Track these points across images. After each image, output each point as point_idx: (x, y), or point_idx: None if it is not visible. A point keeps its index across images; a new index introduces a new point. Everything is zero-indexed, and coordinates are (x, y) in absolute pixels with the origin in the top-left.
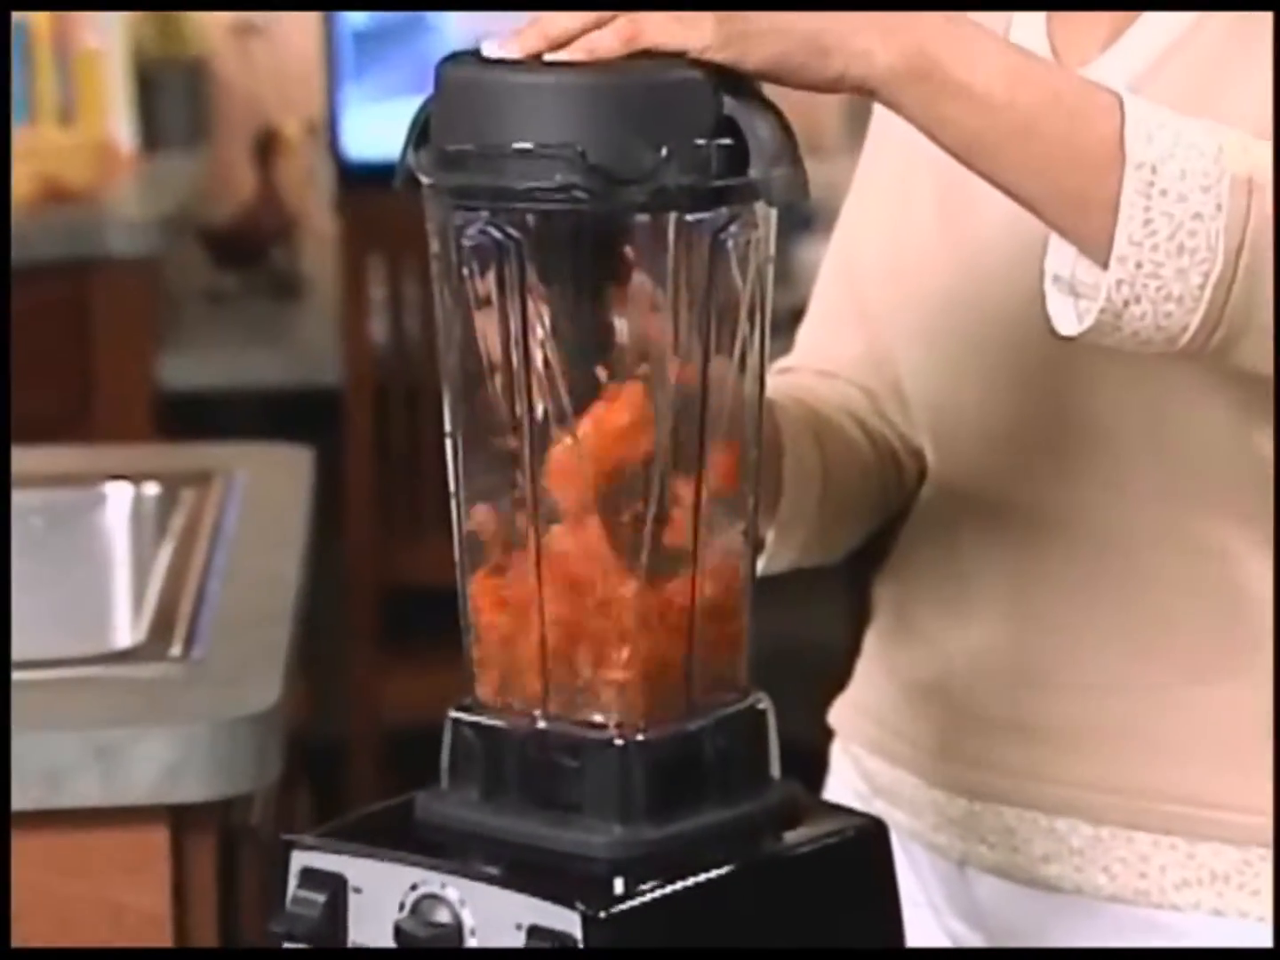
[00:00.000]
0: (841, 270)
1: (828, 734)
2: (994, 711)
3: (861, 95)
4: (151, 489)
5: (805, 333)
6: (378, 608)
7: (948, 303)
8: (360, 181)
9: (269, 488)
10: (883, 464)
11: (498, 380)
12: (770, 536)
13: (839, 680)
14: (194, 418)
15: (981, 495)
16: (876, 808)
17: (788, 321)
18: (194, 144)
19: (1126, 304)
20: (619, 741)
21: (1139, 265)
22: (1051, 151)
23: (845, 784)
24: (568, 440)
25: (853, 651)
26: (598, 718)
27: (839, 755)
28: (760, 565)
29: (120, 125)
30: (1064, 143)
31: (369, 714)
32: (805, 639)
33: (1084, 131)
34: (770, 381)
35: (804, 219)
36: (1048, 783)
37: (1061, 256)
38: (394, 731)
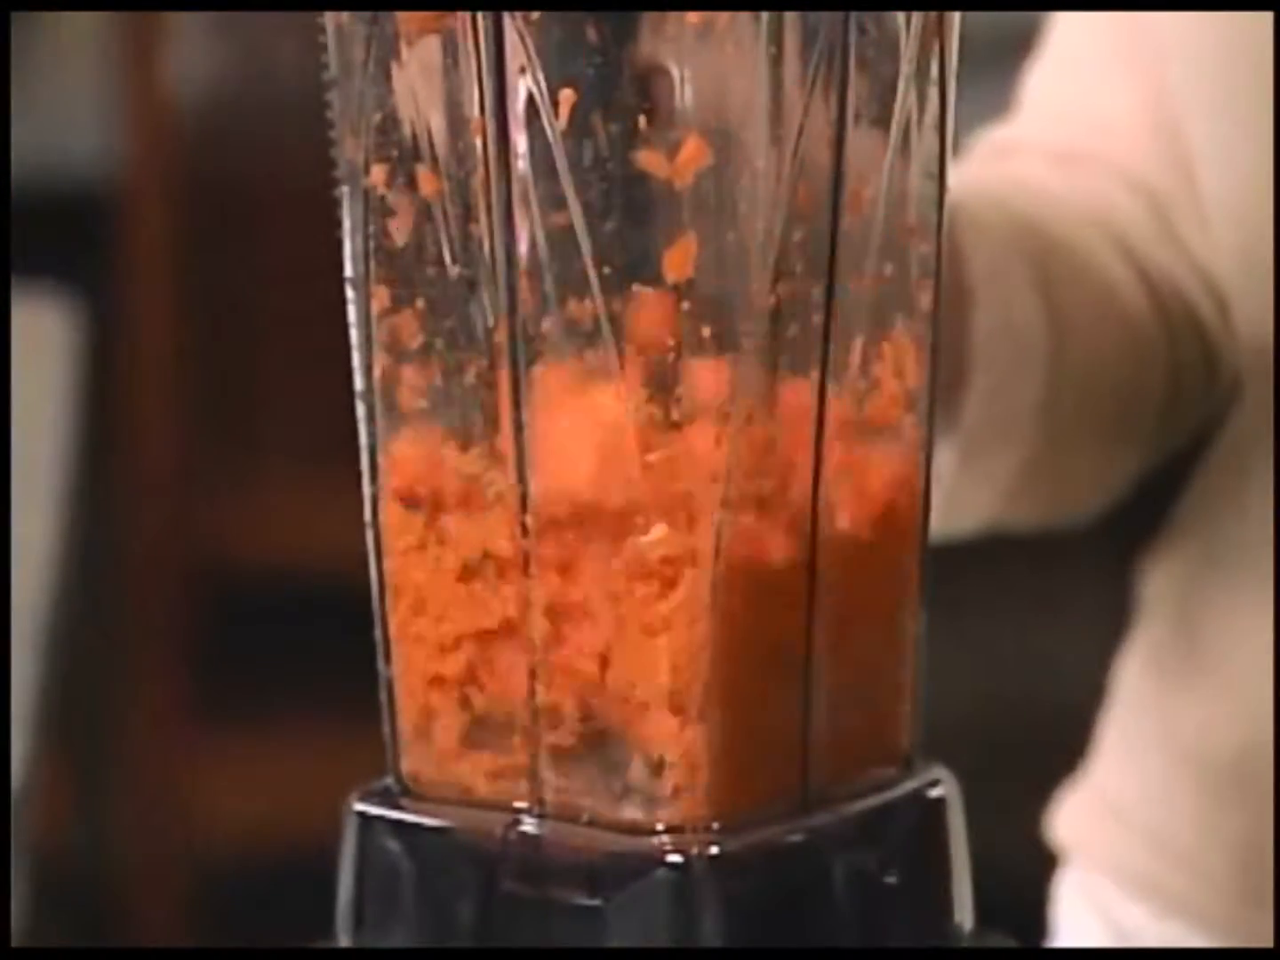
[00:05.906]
0: None
1: (1054, 852)
2: None
3: None
4: None
5: (1040, 84)
6: (192, 611)
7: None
8: None
9: None
10: (1174, 335)
11: (444, 178)
12: (949, 461)
13: (1073, 753)
14: None
15: None
16: None
17: (997, 61)
18: None
19: None
20: (675, 858)
21: None
22: None
23: (1083, 943)
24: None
25: (1097, 702)
26: (637, 814)
27: (1073, 894)
28: (934, 518)
29: None
30: None
31: (176, 816)
32: (1017, 677)
33: None
34: (959, 174)
35: None
36: None
37: None
38: (223, 847)
